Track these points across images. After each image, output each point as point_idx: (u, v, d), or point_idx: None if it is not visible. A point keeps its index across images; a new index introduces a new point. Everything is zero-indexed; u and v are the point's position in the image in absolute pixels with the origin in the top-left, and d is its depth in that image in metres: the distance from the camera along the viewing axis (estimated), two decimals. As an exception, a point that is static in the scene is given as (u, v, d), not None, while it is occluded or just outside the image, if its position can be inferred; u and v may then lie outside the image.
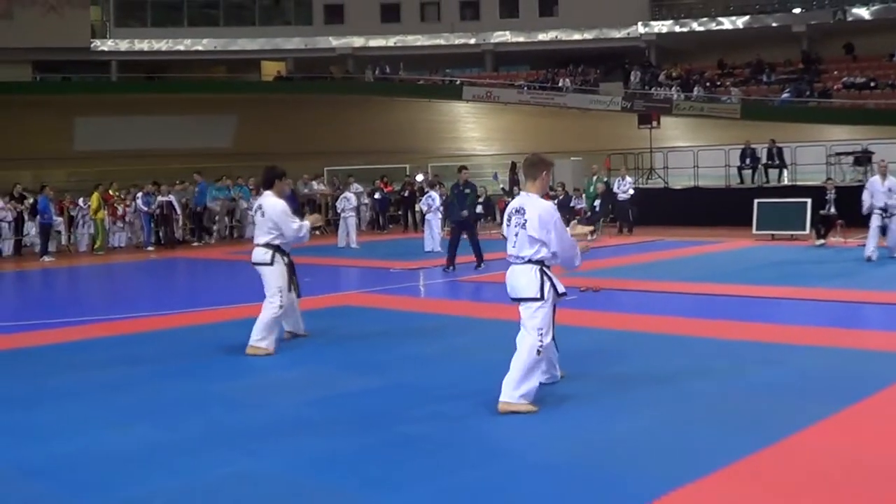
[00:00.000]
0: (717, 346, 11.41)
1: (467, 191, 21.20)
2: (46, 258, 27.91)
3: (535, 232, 8.71)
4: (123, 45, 65.77)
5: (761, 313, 13.78)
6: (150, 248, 30.82)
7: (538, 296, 8.70)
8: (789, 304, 14.88)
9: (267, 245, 12.11)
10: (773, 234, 26.11)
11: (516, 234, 8.84)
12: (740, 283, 16.93)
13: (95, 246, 30.34)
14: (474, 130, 61.07)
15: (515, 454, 7.29)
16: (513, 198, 28.58)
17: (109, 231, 31.47)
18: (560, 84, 57.87)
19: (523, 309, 8.79)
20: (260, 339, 11.84)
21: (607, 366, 10.28)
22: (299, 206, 31.18)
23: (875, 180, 20.49)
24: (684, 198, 33.87)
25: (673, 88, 54.25)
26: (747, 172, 34.14)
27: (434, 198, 27.64)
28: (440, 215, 27.43)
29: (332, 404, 9.09)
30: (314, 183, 36.80)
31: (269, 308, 11.98)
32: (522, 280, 8.78)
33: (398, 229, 36.62)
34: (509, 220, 8.98)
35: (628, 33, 63.28)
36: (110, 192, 31.46)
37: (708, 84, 54.35)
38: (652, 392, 9.17)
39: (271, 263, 12.07)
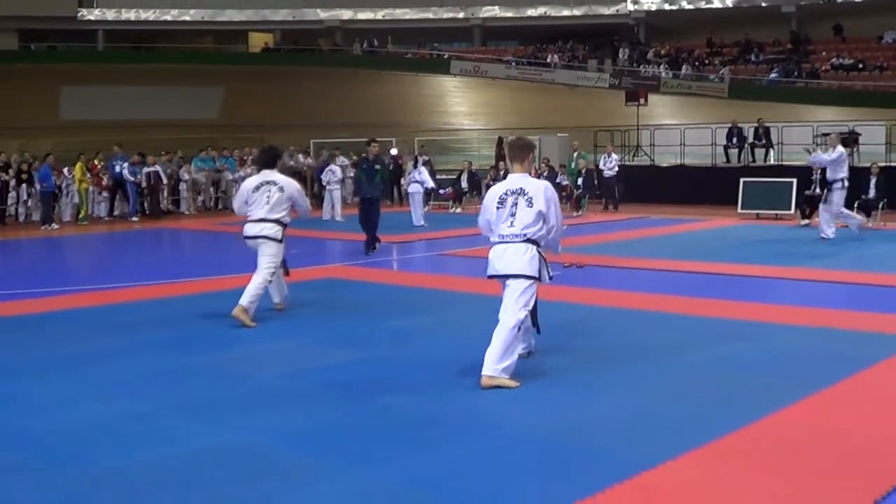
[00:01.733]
0: (700, 323, 11.43)
1: (377, 166, 19.83)
2: (51, 226, 27.76)
3: (542, 206, 8.84)
4: (110, 15, 65.65)
5: (744, 292, 13.80)
6: (134, 219, 30.73)
7: (535, 275, 8.82)
8: (772, 282, 14.92)
9: (278, 221, 12.32)
10: (758, 214, 26.15)
11: (513, 214, 8.88)
12: (724, 262, 16.94)
13: (80, 216, 30.23)
14: (461, 105, 61.07)
15: (497, 428, 7.30)
16: (498, 172, 28.65)
17: (93, 201, 31.36)
18: (548, 60, 57.83)
19: (514, 285, 8.85)
20: (249, 303, 11.98)
21: (590, 342, 10.30)
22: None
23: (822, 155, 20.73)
24: (670, 175, 33.91)
25: (661, 66, 54.29)
26: (733, 151, 34.18)
27: (335, 171, 29.06)
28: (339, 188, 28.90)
29: (313, 377, 9.09)
30: (300, 155, 36.72)
31: (263, 277, 12.20)
32: (520, 258, 8.83)
33: (383, 203, 36.54)
34: (502, 201, 8.99)
35: (617, 10, 63.33)
36: (95, 161, 31.34)
37: (696, 63, 54.35)
38: (634, 368, 9.20)
39: (281, 241, 12.37)
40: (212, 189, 34.96)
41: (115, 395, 8.53)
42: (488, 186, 31.92)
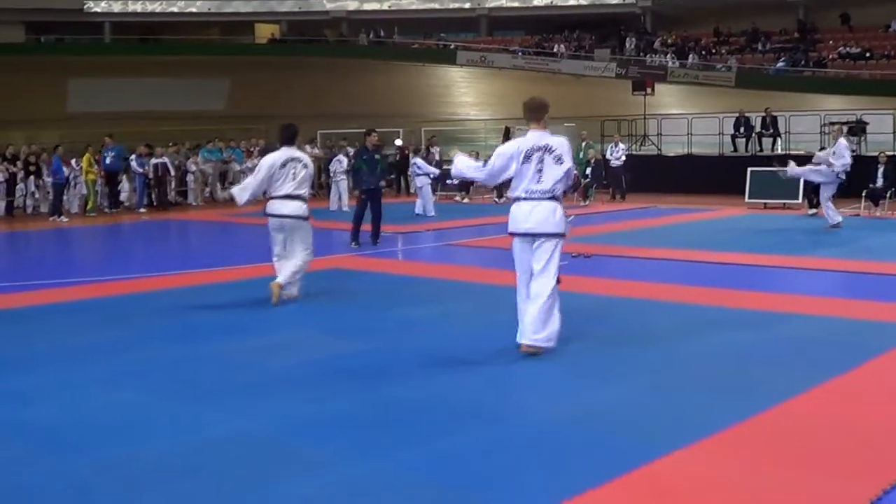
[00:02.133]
0: (708, 313, 11.41)
1: (377, 157, 19.52)
2: (60, 218, 27.73)
3: (569, 163, 9.29)
4: (117, 7, 65.63)
5: (752, 281, 13.79)
6: (142, 210, 30.75)
7: (565, 232, 9.26)
8: (780, 272, 14.90)
9: (302, 198, 12.60)
10: (765, 203, 26.14)
11: (541, 171, 9.15)
12: (731, 251, 16.93)
13: (88, 207, 30.23)
14: (468, 95, 61.00)
15: (505, 417, 7.28)
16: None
17: (99, 193, 31.35)
18: (555, 50, 57.75)
19: (546, 245, 9.16)
20: (290, 285, 12.53)
21: (597, 331, 10.27)
22: None
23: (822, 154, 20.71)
24: (677, 165, 33.90)
25: (668, 56, 54.19)
26: (741, 141, 34.13)
27: (342, 161, 28.80)
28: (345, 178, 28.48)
29: (321, 367, 9.08)
30: (307, 146, 36.71)
31: (306, 258, 12.69)
32: (550, 217, 9.16)
33: (390, 193, 36.56)
34: (528, 158, 9.20)
35: (624, -1, 63.16)
36: (102, 153, 31.32)
37: (703, 52, 54.26)
38: (641, 358, 9.19)
39: (307, 218, 12.69)
40: (219, 180, 34.98)
41: (123, 385, 8.53)
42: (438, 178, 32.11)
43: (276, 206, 12.60)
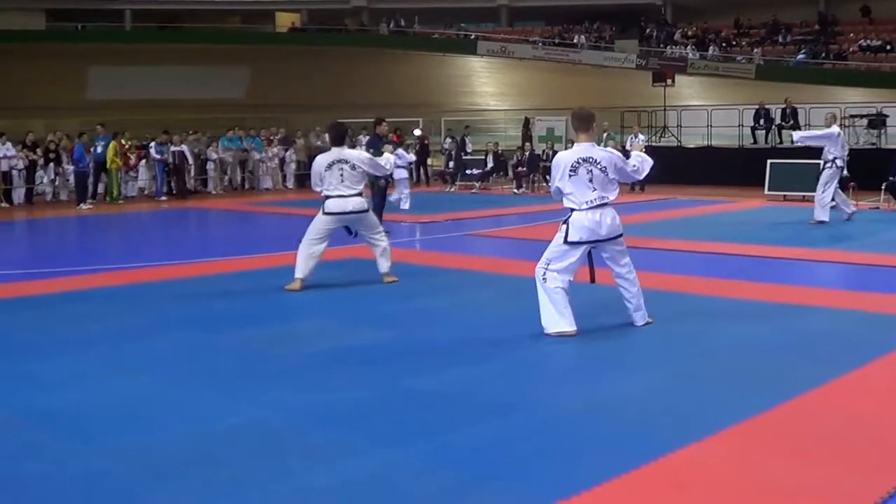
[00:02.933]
0: (726, 305, 11.39)
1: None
2: (83, 205, 27.76)
3: (614, 174, 9.79)
4: (138, -6, 65.59)
5: (771, 273, 13.77)
6: (162, 198, 30.81)
7: (621, 233, 9.99)
8: (799, 264, 14.87)
9: (359, 194, 13.14)
10: (785, 195, 26.06)
11: (591, 181, 9.65)
12: (751, 244, 16.89)
13: (114, 195, 30.23)
14: (488, 85, 60.96)
15: (524, 408, 7.28)
16: (524, 152, 28.86)
17: (122, 181, 31.39)
18: (575, 41, 57.64)
19: (619, 246, 10.03)
20: (388, 267, 13.45)
21: (617, 322, 10.27)
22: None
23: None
24: (697, 156, 33.82)
25: (688, 47, 54.04)
26: (760, 133, 34.04)
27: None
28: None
29: (339, 356, 9.10)
30: (326, 135, 36.68)
31: (383, 246, 13.50)
32: (615, 221, 9.88)
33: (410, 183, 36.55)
34: (574, 170, 9.65)
35: (644, -10, 62.95)
36: (122, 141, 31.33)
37: (723, 44, 54.11)
38: (660, 350, 9.20)
39: (367, 210, 13.36)
40: (239, 169, 35.03)
41: (141, 373, 8.56)
42: (514, 167, 32.21)
43: (332, 205, 12.95)
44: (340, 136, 13.39)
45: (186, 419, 7.14)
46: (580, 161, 9.62)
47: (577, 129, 10.03)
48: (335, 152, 13.03)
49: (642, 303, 10.10)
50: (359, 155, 13.46)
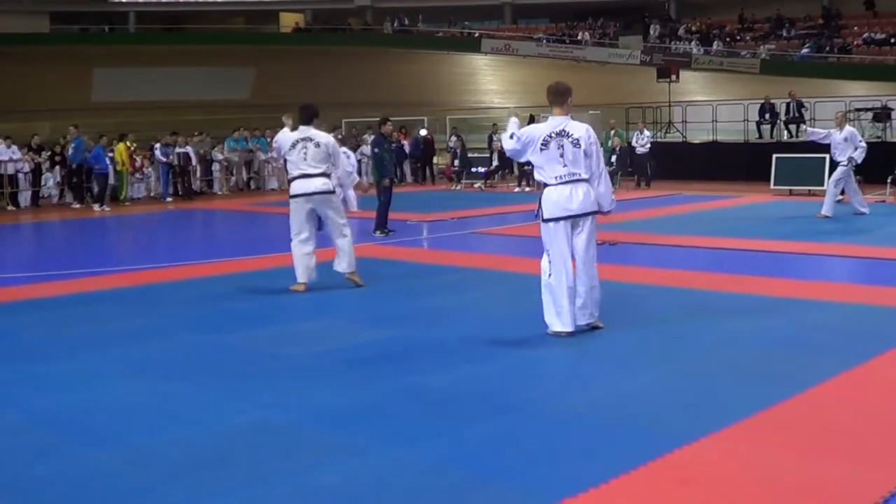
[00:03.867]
0: (733, 300, 11.38)
1: (394, 145, 19.56)
2: (103, 207, 27.69)
3: (585, 146, 9.44)
4: (141, -4, 65.68)
5: (777, 268, 13.76)
6: (168, 200, 30.83)
7: (597, 210, 9.56)
8: (806, 259, 14.86)
9: (324, 174, 12.62)
10: (790, 190, 26.03)
11: (562, 155, 9.40)
12: (757, 238, 16.88)
13: (121, 196, 30.22)
14: (492, 83, 60.97)
15: (531, 406, 7.27)
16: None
17: (128, 182, 31.40)
18: (579, 37, 57.64)
19: (588, 226, 9.48)
20: (350, 265, 12.90)
21: (624, 319, 10.24)
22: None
23: (834, 132, 20.21)
24: (702, 152, 33.83)
25: (692, 43, 54.04)
26: (766, 127, 34.03)
27: (365, 151, 28.58)
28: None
29: (346, 356, 9.10)
30: (331, 134, 36.70)
31: (349, 235, 12.86)
32: (587, 196, 9.45)
33: (416, 181, 36.56)
34: (546, 143, 9.44)
35: (648, -14, 62.91)
36: (127, 143, 31.30)
37: (728, 39, 54.10)
38: (667, 345, 9.19)
39: (333, 191, 12.87)
40: (244, 169, 35.05)
41: (148, 374, 8.58)
42: (520, 165, 32.20)
43: (296, 187, 12.69)
44: (310, 116, 12.95)
45: (195, 420, 7.14)
46: (552, 135, 9.44)
47: (551, 104, 9.77)
48: (302, 130, 12.78)
49: (590, 302, 9.62)
50: (326, 137, 13.06)
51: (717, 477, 5.74)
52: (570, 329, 9.41)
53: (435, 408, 7.32)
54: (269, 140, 35.00)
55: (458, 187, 32.61)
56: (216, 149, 33.96)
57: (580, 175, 9.41)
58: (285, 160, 12.98)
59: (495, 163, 32.92)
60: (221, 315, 11.39)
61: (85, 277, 14.52)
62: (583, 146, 9.41)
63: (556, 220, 9.39)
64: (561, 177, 9.39)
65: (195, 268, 15.33)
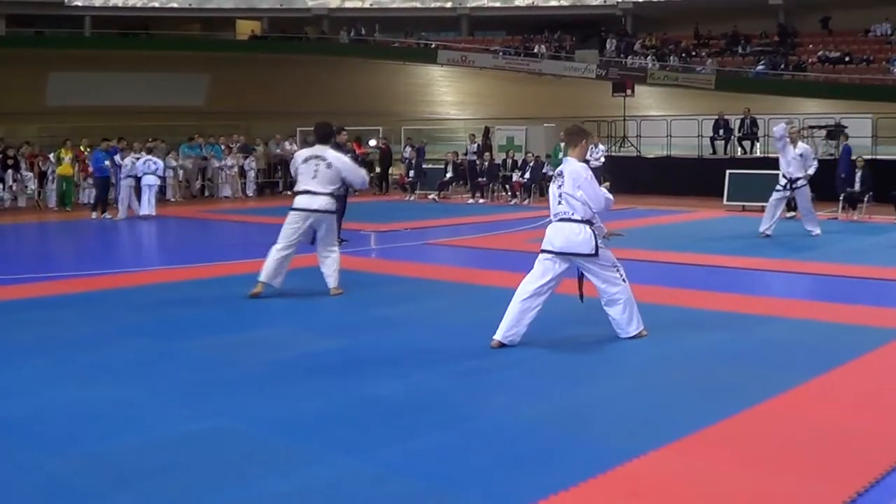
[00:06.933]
0: (685, 314, 11.46)
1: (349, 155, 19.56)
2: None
3: (570, 189, 9.67)
4: (98, 1, 65.29)
5: (729, 283, 13.85)
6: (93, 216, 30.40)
7: (594, 252, 9.76)
8: (757, 274, 14.97)
9: (330, 195, 12.93)
10: (743, 206, 26.18)
11: (560, 195, 9.77)
12: (709, 253, 16.98)
13: (67, 202, 29.88)
14: (448, 94, 60.96)
15: (482, 416, 7.30)
16: (484, 162, 28.86)
17: (80, 187, 31.11)
18: (535, 50, 57.78)
19: (592, 263, 9.89)
20: (337, 281, 13.11)
21: (571, 332, 10.31)
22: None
23: (788, 149, 20.23)
24: (657, 167, 34.00)
25: (648, 57, 54.26)
26: (720, 143, 34.23)
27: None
28: None
29: (298, 364, 9.10)
30: (286, 143, 36.62)
31: (337, 254, 13.30)
32: (579, 237, 9.69)
33: (370, 191, 36.47)
34: (553, 183, 10.02)
35: (605, 0, 63.13)
36: (81, 148, 30.96)
37: (683, 54, 54.37)
38: (616, 358, 9.26)
39: (333, 212, 13.16)
40: (199, 176, 34.87)
41: (97, 381, 8.53)
42: (473, 176, 32.21)
43: (298, 200, 12.95)
44: (326, 136, 13.35)
45: (146, 427, 7.12)
46: (555, 176, 9.95)
47: (566, 144, 10.27)
48: (317, 148, 13.07)
49: (625, 318, 10.06)
50: (340, 157, 13.31)
51: (668, 490, 5.78)
52: (496, 341, 9.62)
53: (388, 417, 7.33)
54: (223, 147, 34.89)
55: (412, 198, 32.61)
56: (170, 155, 33.70)
57: (570, 215, 9.74)
58: (296, 172, 13.22)
59: (449, 174, 32.94)
60: (174, 322, 11.34)
61: (33, 283, 14.41)
62: (565, 188, 9.76)
63: (549, 253, 9.86)
64: (556, 215, 9.83)
65: (145, 274, 15.27)
